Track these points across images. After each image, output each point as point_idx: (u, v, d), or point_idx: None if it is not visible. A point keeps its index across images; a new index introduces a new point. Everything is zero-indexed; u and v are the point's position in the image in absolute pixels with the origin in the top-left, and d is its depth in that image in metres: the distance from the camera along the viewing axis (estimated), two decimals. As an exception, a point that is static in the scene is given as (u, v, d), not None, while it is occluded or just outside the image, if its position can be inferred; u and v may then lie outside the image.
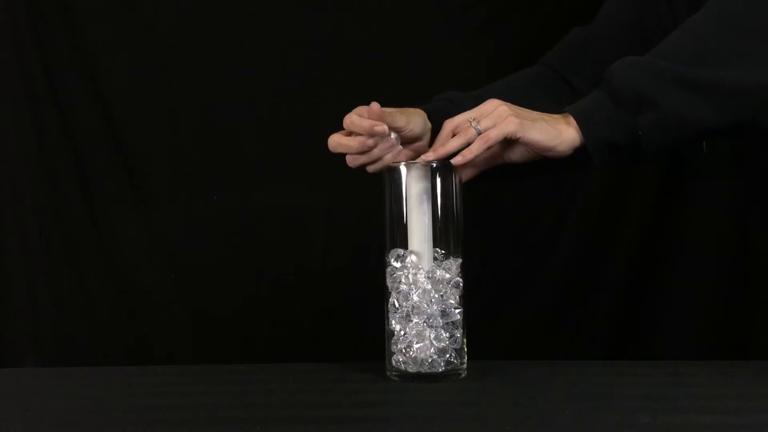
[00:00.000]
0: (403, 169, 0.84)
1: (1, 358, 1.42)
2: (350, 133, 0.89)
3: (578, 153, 0.86)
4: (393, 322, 0.84)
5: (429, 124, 0.94)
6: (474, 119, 0.85)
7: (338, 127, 1.46)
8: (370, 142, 0.88)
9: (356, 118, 0.88)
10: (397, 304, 0.84)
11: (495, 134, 0.83)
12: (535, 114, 0.86)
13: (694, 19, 0.87)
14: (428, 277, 0.83)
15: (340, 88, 1.42)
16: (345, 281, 1.42)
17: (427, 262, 0.83)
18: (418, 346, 0.82)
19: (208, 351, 1.44)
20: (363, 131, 0.87)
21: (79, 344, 1.44)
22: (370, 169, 0.91)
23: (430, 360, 0.82)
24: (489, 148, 0.84)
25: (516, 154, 0.88)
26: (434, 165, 0.84)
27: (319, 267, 1.45)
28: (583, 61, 1.05)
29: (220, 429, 0.68)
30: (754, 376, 0.85)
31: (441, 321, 0.83)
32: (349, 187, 1.38)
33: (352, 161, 0.91)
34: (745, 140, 1.19)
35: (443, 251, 0.84)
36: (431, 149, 0.87)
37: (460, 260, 0.85)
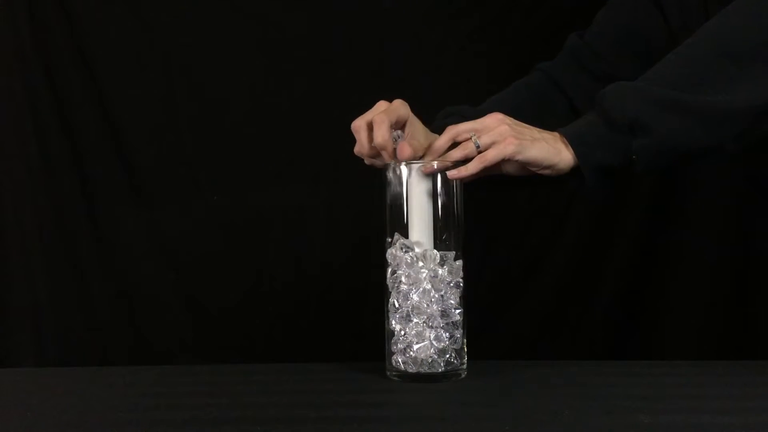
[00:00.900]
0: (404, 169, 0.84)
1: (1, 358, 1.42)
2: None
3: (574, 173, 0.87)
4: (393, 322, 0.84)
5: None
6: (475, 134, 0.86)
7: (338, 127, 1.47)
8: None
9: (365, 139, 0.88)
10: (397, 304, 0.84)
11: (492, 156, 0.84)
12: (535, 133, 0.87)
13: (686, 44, 0.88)
14: (429, 277, 0.83)
15: (340, 88, 1.42)
16: (345, 281, 1.42)
17: (429, 262, 0.83)
18: (418, 346, 0.82)
19: (208, 351, 1.44)
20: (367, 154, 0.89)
21: (79, 344, 1.44)
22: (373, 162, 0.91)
23: (430, 360, 0.82)
24: (484, 168, 0.84)
25: (513, 168, 0.88)
26: (435, 165, 0.84)
27: (319, 267, 1.45)
28: (578, 71, 1.07)
29: (220, 429, 0.68)
30: (754, 376, 0.85)
31: (441, 321, 0.83)
32: (349, 187, 1.39)
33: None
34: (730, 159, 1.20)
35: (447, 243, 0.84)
36: (428, 152, 0.87)
37: (460, 260, 0.85)
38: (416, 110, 0.93)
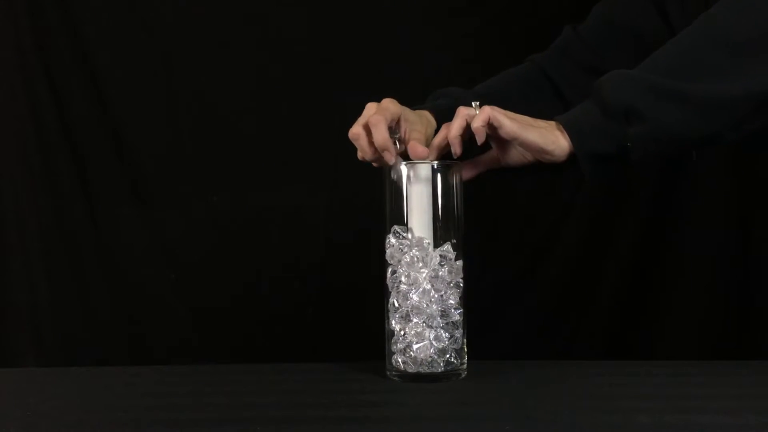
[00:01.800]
0: (403, 168, 0.84)
1: (1, 358, 1.42)
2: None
3: (571, 162, 0.87)
4: (393, 322, 0.84)
5: (433, 125, 0.94)
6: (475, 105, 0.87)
7: (339, 126, 1.46)
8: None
9: (364, 143, 0.88)
10: (396, 304, 0.84)
11: (495, 115, 0.85)
12: (531, 120, 0.87)
13: (684, 33, 0.88)
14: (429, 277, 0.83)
15: (340, 88, 1.42)
16: (345, 281, 1.42)
17: (429, 262, 0.83)
18: (417, 346, 0.82)
19: (208, 351, 1.44)
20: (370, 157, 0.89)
21: (79, 344, 1.44)
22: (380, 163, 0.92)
23: (429, 360, 0.82)
24: (486, 125, 0.85)
25: (513, 157, 0.89)
26: (435, 165, 0.84)
27: (319, 267, 1.45)
28: (569, 63, 1.07)
29: (220, 429, 0.68)
30: (754, 376, 0.85)
31: (441, 321, 0.83)
32: (349, 186, 1.39)
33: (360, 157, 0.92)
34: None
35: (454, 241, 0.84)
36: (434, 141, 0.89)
37: (460, 260, 0.85)
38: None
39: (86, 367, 1.08)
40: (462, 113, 0.87)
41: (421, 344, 0.82)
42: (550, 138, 0.85)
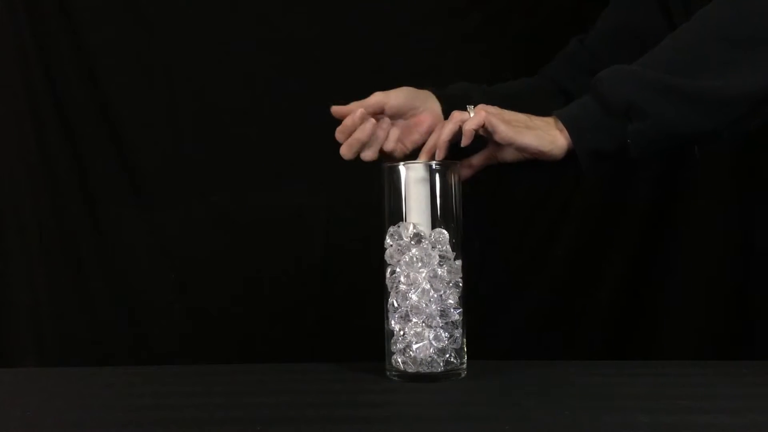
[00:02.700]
0: (402, 169, 0.85)
1: (1, 358, 1.42)
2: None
3: (569, 158, 0.87)
4: (392, 322, 0.84)
5: (417, 98, 0.95)
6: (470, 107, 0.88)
7: (338, 127, 1.46)
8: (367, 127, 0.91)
9: (342, 127, 0.90)
10: (396, 304, 0.84)
11: (490, 118, 0.85)
12: (529, 121, 0.88)
13: (683, 29, 0.88)
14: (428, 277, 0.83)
15: (340, 88, 1.42)
16: (344, 281, 1.42)
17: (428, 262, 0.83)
18: (417, 346, 0.82)
19: (208, 351, 1.44)
20: (353, 127, 0.91)
21: (79, 344, 1.44)
22: (366, 156, 0.92)
23: (429, 360, 0.82)
24: (479, 127, 0.86)
25: (509, 155, 0.90)
26: (434, 165, 0.84)
27: (319, 267, 1.45)
28: (580, 75, 1.06)
29: (220, 429, 0.68)
30: (754, 376, 0.85)
31: (440, 321, 0.83)
32: (349, 187, 1.39)
33: (347, 151, 0.92)
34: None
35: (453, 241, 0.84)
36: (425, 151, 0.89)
37: (459, 260, 0.85)
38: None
39: (86, 367, 1.08)
40: (455, 118, 0.87)
41: (421, 344, 0.82)
42: (547, 139, 0.86)
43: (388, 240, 0.85)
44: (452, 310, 0.83)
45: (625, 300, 1.42)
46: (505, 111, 0.88)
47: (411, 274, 0.83)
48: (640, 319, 1.42)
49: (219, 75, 1.45)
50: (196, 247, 1.45)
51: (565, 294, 1.44)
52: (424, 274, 0.83)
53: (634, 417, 0.68)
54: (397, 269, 0.84)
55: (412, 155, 0.95)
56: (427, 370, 0.82)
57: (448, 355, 0.83)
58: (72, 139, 1.44)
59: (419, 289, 0.83)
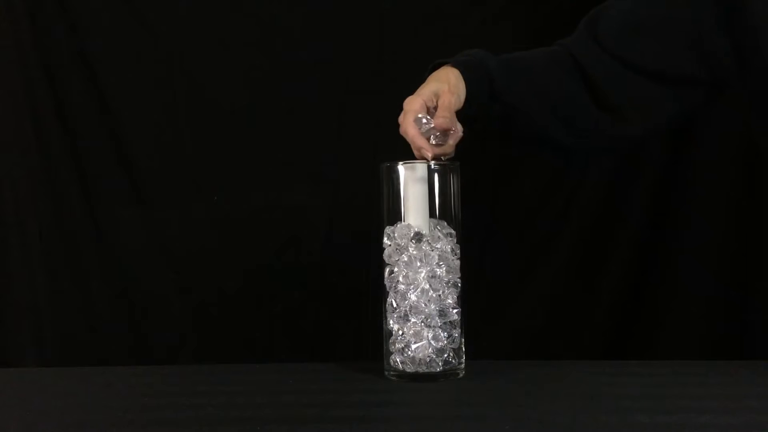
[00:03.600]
0: (401, 168, 0.84)
1: (1, 358, 1.42)
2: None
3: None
4: (391, 322, 0.84)
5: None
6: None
7: (339, 126, 1.46)
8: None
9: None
10: (395, 304, 0.84)
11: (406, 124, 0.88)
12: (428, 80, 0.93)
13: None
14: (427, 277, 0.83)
15: (340, 87, 1.42)
16: (344, 281, 1.42)
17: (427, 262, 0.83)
18: (416, 345, 0.82)
19: (208, 351, 1.44)
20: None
21: (79, 344, 1.44)
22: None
23: (428, 360, 0.82)
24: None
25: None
26: (432, 165, 0.84)
27: (319, 267, 1.45)
28: (592, 45, 1.03)
29: (220, 429, 0.68)
30: (754, 376, 0.85)
31: (439, 321, 0.83)
32: (349, 186, 1.39)
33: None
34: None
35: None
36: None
37: (458, 260, 0.85)
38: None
39: (86, 367, 1.08)
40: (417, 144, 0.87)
41: (420, 344, 0.82)
42: (441, 80, 0.92)
43: (386, 240, 0.85)
44: (451, 309, 0.83)
45: (625, 300, 1.42)
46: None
47: (410, 274, 0.83)
48: (640, 319, 1.41)
49: (219, 75, 1.45)
50: (196, 247, 1.45)
51: (565, 294, 1.43)
52: (423, 274, 0.83)
53: (634, 417, 0.68)
54: (396, 269, 0.84)
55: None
56: (426, 370, 0.83)
57: (446, 355, 0.83)
58: (72, 139, 1.44)
59: (418, 289, 0.83)
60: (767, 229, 1.36)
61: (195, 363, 1.42)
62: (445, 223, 0.85)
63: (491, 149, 1.40)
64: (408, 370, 0.83)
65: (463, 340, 0.85)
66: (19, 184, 1.43)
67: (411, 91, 0.99)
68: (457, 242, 0.85)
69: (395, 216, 0.85)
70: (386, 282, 0.85)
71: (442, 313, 0.83)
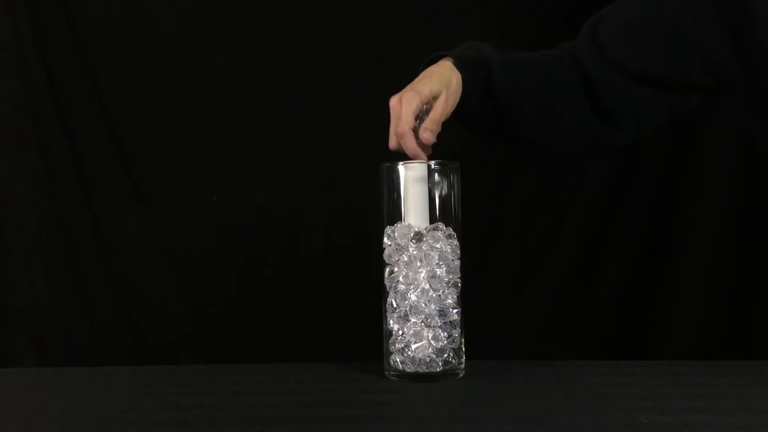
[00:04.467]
0: (401, 168, 0.84)
1: (1, 358, 1.42)
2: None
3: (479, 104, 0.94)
4: (391, 321, 0.84)
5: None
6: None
7: (339, 126, 1.46)
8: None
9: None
10: (395, 304, 0.84)
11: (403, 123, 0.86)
12: (427, 75, 0.92)
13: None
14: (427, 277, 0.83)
15: (340, 87, 1.42)
16: (344, 281, 1.42)
17: (426, 262, 0.83)
18: (416, 345, 0.82)
19: (208, 350, 1.44)
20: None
21: (79, 344, 1.44)
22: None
23: (428, 360, 0.82)
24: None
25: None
26: (432, 165, 0.84)
27: (319, 267, 1.45)
28: (594, 50, 1.01)
29: (220, 429, 0.68)
30: (754, 376, 0.85)
31: (439, 321, 0.83)
32: (349, 186, 1.39)
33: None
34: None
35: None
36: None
37: (458, 260, 0.85)
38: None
39: (86, 367, 1.08)
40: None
41: (420, 344, 0.82)
42: (443, 79, 0.91)
43: (386, 240, 0.85)
44: (451, 309, 0.83)
45: (625, 300, 1.42)
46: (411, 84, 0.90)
47: (410, 274, 0.83)
48: (640, 319, 1.42)
49: (219, 75, 1.45)
50: (196, 247, 1.45)
51: (565, 294, 1.43)
52: (423, 274, 0.83)
53: (634, 417, 0.68)
54: (396, 269, 0.84)
55: None
56: (426, 370, 0.83)
57: (446, 355, 0.83)
58: (72, 139, 1.44)
59: (418, 289, 0.83)
60: (767, 229, 1.36)
61: (195, 363, 1.42)
62: (443, 225, 0.84)
63: (492, 150, 1.40)
64: (408, 370, 0.83)
65: (463, 340, 0.85)
66: (19, 184, 1.43)
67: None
68: (457, 242, 0.85)
69: (395, 216, 0.84)
70: (386, 282, 0.85)
71: (442, 313, 0.83)
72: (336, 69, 1.43)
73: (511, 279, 1.44)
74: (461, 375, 0.84)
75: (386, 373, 0.85)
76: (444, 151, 0.89)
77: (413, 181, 0.84)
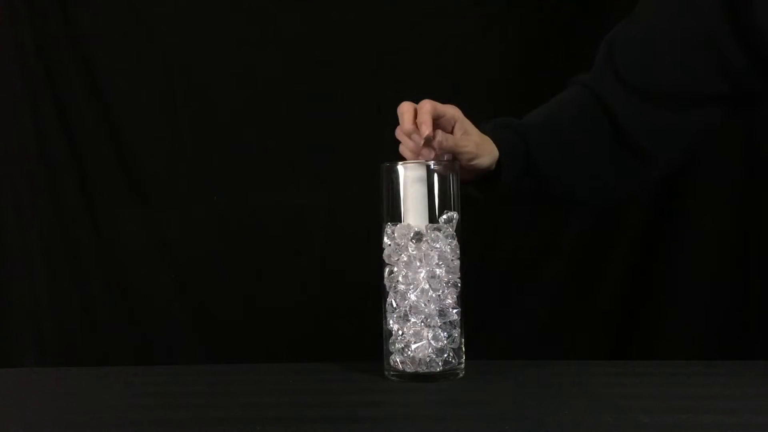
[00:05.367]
0: (400, 169, 0.84)
1: (1, 358, 1.42)
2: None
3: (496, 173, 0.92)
4: (391, 321, 0.84)
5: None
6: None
7: (338, 126, 1.46)
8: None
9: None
10: (395, 304, 0.84)
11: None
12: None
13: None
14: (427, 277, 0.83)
15: (339, 88, 1.42)
16: (344, 281, 1.42)
17: (426, 262, 0.83)
18: (416, 345, 0.82)
19: (208, 351, 1.44)
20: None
21: (79, 344, 1.44)
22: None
23: (428, 360, 0.82)
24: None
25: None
26: (432, 165, 0.84)
27: (319, 267, 1.45)
28: (614, 80, 0.99)
29: (220, 429, 0.68)
30: (754, 376, 0.85)
31: (439, 321, 0.83)
32: (349, 186, 1.39)
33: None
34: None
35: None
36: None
37: (458, 260, 0.85)
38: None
39: (86, 367, 1.08)
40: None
41: (419, 344, 0.82)
42: (481, 148, 0.89)
43: (386, 240, 0.85)
44: (451, 309, 0.83)
45: (625, 300, 1.42)
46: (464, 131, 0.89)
47: (410, 274, 0.83)
48: (640, 319, 1.42)
49: (219, 75, 1.45)
50: (196, 247, 1.45)
51: (565, 294, 1.44)
52: (423, 274, 0.83)
53: (634, 417, 0.68)
54: (396, 269, 0.84)
55: None
56: (426, 370, 0.82)
57: (446, 355, 0.83)
58: (72, 139, 1.44)
59: (418, 289, 0.83)
60: (767, 229, 1.36)
61: (195, 363, 1.42)
62: (445, 221, 0.84)
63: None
64: (408, 370, 0.83)
65: (463, 340, 0.85)
66: (19, 184, 1.43)
67: (411, 91, 0.99)
68: (456, 242, 0.85)
69: (395, 216, 0.84)
70: (386, 282, 0.85)
71: (441, 313, 0.83)
72: (336, 69, 1.43)
73: (511, 279, 1.44)
74: (461, 375, 0.84)
75: (386, 373, 0.85)
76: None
77: (413, 181, 0.84)
